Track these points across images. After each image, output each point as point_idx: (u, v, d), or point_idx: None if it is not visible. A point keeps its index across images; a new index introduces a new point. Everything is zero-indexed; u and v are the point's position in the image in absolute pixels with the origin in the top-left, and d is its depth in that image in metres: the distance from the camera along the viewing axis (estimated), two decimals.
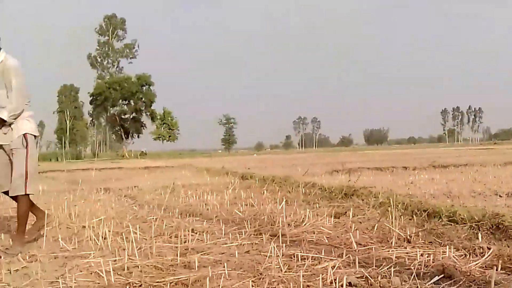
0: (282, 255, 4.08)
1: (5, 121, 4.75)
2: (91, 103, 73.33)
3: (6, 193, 4.96)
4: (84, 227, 5.79)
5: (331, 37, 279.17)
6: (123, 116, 72.16)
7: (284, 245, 4.54)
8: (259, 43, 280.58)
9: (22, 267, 4.17)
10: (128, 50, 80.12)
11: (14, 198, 4.86)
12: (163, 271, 3.95)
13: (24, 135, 4.78)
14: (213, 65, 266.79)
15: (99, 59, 79.98)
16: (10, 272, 4.01)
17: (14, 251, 4.61)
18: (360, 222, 5.74)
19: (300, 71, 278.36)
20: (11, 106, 4.69)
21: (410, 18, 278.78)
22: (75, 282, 3.56)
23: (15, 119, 4.79)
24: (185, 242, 4.92)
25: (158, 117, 70.59)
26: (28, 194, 4.83)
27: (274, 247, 4.09)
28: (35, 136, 4.95)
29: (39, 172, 19.62)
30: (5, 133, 4.79)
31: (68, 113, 71.29)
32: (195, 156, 54.80)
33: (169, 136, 70.49)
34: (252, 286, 3.28)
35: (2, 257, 4.45)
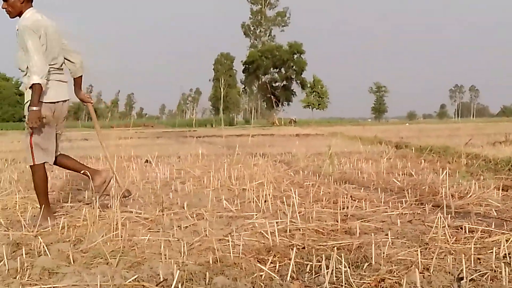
0: (448, 226, 3.90)
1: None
2: (243, 71, 75.49)
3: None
4: (244, 189, 6.02)
5: None
6: (274, 84, 73.46)
7: (449, 216, 4.35)
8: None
9: (191, 224, 4.43)
10: (280, 18, 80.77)
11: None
12: (324, 235, 3.99)
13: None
14: (362, 32, 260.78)
15: (252, 28, 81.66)
16: (181, 228, 4.27)
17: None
18: None
19: (457, 38, 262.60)
20: (31, 68, 4.15)
21: None
22: (242, 241, 3.70)
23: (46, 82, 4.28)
24: (343, 208, 4.91)
25: (308, 85, 70.80)
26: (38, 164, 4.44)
27: (440, 217, 3.92)
28: (53, 102, 4.42)
29: (197, 137, 20.82)
30: None
31: (222, 81, 74.03)
32: (345, 124, 54.37)
33: (319, 104, 70.47)
34: (420, 255, 3.17)
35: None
